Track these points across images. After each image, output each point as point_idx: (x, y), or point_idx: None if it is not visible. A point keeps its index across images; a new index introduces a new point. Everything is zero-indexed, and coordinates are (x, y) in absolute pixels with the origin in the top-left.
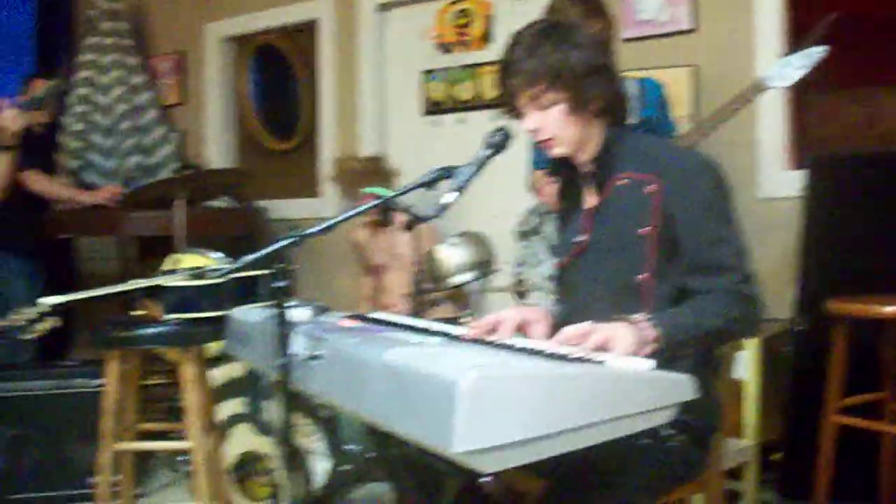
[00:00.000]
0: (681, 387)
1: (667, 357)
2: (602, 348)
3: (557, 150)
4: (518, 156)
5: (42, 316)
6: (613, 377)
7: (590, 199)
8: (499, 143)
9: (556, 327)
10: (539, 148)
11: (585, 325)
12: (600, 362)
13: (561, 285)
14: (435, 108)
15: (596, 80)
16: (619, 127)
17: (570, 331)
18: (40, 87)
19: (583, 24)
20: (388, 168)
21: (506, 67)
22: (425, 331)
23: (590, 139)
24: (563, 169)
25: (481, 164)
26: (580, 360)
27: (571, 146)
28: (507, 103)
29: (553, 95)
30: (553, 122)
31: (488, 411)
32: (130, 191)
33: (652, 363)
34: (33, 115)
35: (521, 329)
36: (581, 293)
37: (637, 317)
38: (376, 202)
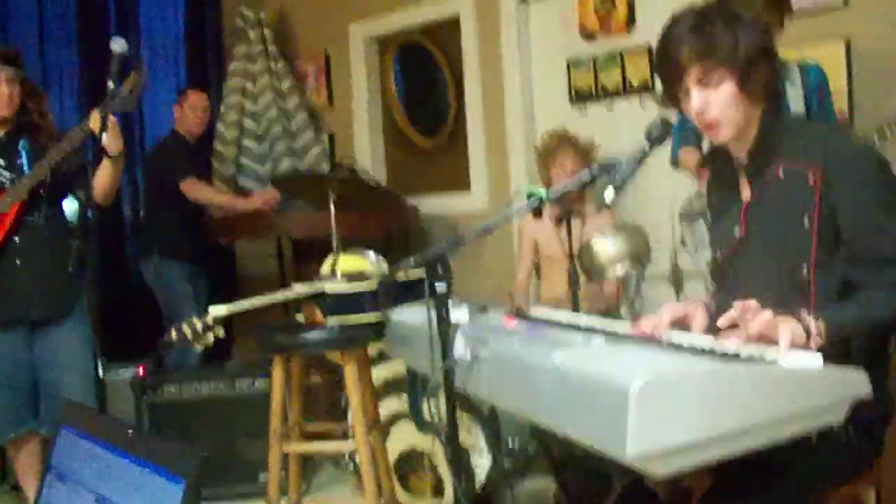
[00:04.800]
0: (855, 383)
1: (836, 351)
2: (765, 333)
3: (723, 134)
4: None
5: (211, 326)
6: (785, 376)
7: (745, 191)
8: (659, 136)
9: (715, 320)
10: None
11: (749, 311)
12: (772, 361)
13: (720, 279)
14: (582, 96)
15: (764, 62)
16: (776, 114)
17: (729, 318)
18: (125, 86)
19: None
20: (590, 149)
21: (671, 44)
22: (587, 329)
23: (749, 126)
24: (717, 159)
25: (642, 159)
26: (750, 358)
27: (736, 129)
28: (667, 86)
29: (723, 73)
30: (721, 102)
31: (660, 415)
32: (281, 176)
33: (820, 359)
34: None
35: (681, 322)
36: (742, 288)
37: (803, 313)
38: (534, 202)
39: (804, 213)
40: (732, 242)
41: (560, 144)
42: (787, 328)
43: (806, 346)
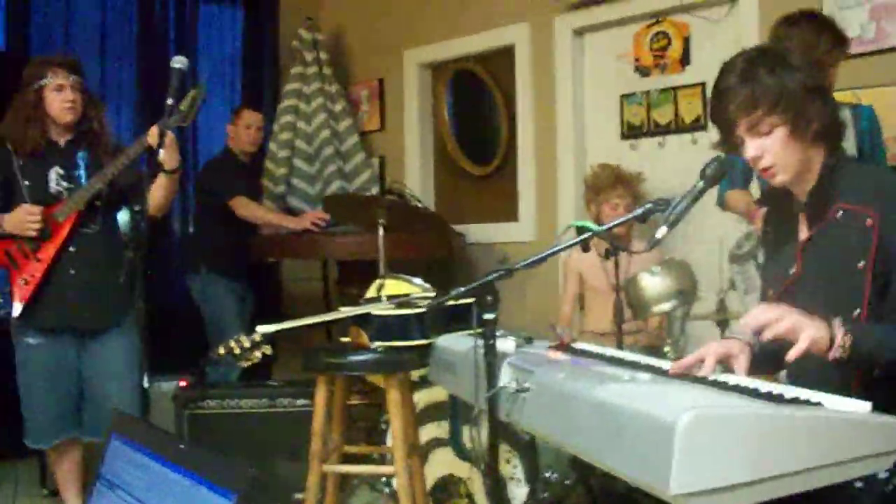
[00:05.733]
0: None
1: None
2: (788, 334)
3: (780, 178)
4: None
5: (259, 343)
6: (832, 420)
7: (804, 230)
8: (714, 174)
9: (759, 360)
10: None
11: (778, 310)
12: (817, 404)
13: None
14: (633, 131)
15: (814, 100)
16: (836, 156)
17: (754, 317)
18: (184, 103)
19: (814, 42)
20: (640, 186)
21: (720, 96)
22: (632, 364)
23: (809, 167)
24: (776, 196)
25: (696, 198)
26: (796, 400)
27: (792, 173)
28: (723, 134)
29: (773, 120)
30: (774, 148)
31: (706, 452)
32: (332, 197)
33: (869, 406)
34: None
35: (724, 362)
36: None
37: (835, 320)
38: (585, 236)
39: (860, 255)
40: (787, 280)
41: (611, 179)
42: (811, 333)
43: (825, 355)
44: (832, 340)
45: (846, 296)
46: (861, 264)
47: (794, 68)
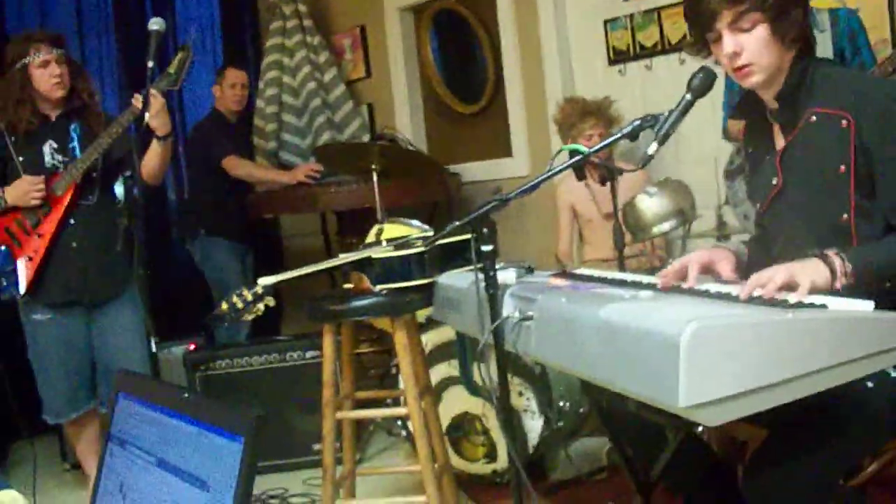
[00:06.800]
0: None
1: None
2: (788, 286)
3: (754, 79)
4: (719, 98)
5: (261, 296)
6: (836, 321)
7: (779, 139)
8: (702, 85)
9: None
10: (734, 88)
11: (768, 271)
12: (822, 305)
13: (762, 229)
14: (619, 56)
15: (796, 5)
16: (806, 59)
17: (754, 279)
18: (172, 65)
19: None
20: (611, 111)
21: None
22: (633, 284)
23: (781, 71)
24: (749, 109)
25: (685, 111)
26: (800, 304)
27: (767, 74)
28: (696, 30)
29: (756, 16)
30: (754, 46)
31: (712, 363)
32: (323, 148)
33: (871, 304)
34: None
35: (709, 269)
36: (783, 237)
37: (829, 251)
38: (577, 158)
39: (840, 159)
40: (770, 191)
41: (579, 112)
42: (808, 273)
43: (831, 287)
44: (833, 273)
45: (830, 202)
46: (842, 168)
47: None
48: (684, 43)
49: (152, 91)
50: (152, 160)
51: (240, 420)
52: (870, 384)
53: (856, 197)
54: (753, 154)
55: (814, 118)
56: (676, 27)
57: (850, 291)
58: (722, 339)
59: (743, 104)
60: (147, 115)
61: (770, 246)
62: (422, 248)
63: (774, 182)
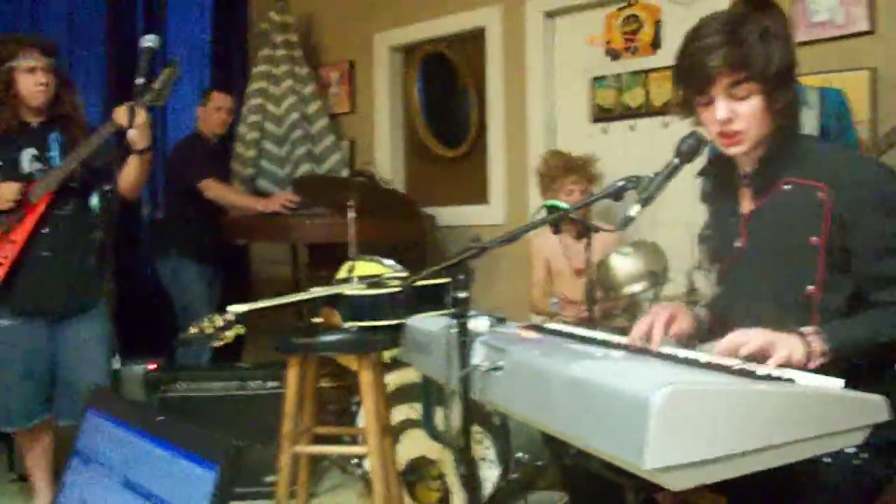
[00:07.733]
0: (874, 408)
1: (846, 370)
2: (760, 355)
3: (742, 147)
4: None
5: (231, 323)
6: (805, 396)
7: (746, 203)
8: (690, 150)
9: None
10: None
11: (744, 334)
12: (790, 380)
13: (723, 291)
14: (604, 115)
15: (790, 80)
16: (787, 130)
17: (730, 338)
18: (157, 82)
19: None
20: (593, 169)
21: (698, 51)
22: (604, 343)
23: (764, 141)
24: (717, 170)
25: (671, 175)
26: (769, 377)
27: (753, 144)
28: (687, 92)
29: (753, 86)
30: (747, 115)
31: (680, 428)
32: (301, 179)
33: (841, 382)
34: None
35: (670, 325)
36: (743, 302)
37: (807, 329)
38: (556, 215)
39: (812, 230)
40: (731, 253)
41: (562, 167)
42: (785, 346)
43: (804, 367)
44: (809, 355)
45: (797, 270)
46: (813, 239)
47: (780, 42)
48: (670, 102)
49: (136, 106)
50: (130, 174)
51: (215, 447)
52: (827, 459)
53: (823, 269)
54: (716, 214)
55: (788, 186)
56: (662, 90)
57: (822, 365)
58: (693, 405)
59: (710, 165)
60: (132, 130)
61: (729, 307)
62: (397, 288)
63: (737, 244)
